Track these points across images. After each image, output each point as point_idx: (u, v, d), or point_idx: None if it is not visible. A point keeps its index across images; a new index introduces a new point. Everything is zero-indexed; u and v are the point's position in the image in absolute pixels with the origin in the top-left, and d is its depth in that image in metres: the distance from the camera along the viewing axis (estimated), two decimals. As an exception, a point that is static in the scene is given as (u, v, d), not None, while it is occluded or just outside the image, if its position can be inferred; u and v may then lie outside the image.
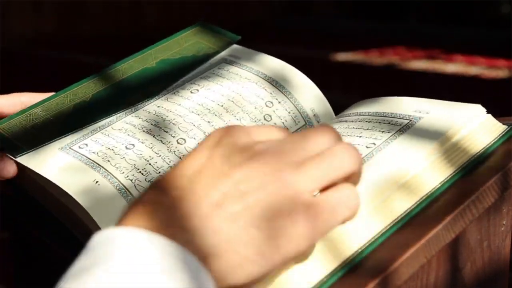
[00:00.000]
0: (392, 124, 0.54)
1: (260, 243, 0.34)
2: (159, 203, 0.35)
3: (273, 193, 0.35)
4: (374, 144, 0.51)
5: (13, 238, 0.66)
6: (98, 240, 0.33)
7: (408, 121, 0.53)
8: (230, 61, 0.67)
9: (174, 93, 0.62)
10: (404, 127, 0.53)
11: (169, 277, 0.32)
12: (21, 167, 0.56)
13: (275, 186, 0.35)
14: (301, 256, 0.39)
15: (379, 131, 0.53)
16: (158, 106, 0.60)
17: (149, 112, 0.59)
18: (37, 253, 0.62)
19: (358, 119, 0.57)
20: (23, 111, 0.59)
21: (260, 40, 4.31)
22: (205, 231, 0.34)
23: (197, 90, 0.62)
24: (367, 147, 0.51)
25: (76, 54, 3.81)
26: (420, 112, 0.54)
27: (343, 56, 3.74)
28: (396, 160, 0.49)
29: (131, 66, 0.65)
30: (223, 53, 0.68)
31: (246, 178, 0.36)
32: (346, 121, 0.58)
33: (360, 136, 0.53)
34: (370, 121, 0.55)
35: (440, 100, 0.56)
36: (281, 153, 0.37)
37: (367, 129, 0.54)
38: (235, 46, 0.69)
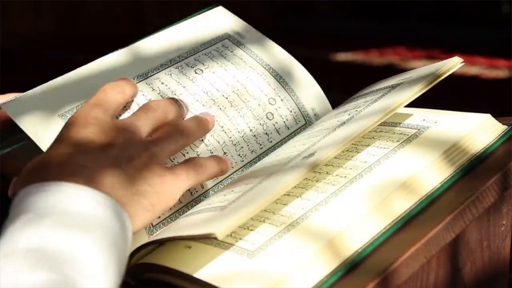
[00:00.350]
0: (399, 133, 0.54)
1: (151, 195, 0.46)
2: (77, 164, 0.44)
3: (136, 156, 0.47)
4: (380, 153, 0.51)
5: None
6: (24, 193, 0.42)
7: (416, 130, 0.53)
8: (234, 39, 0.65)
9: (178, 67, 0.61)
10: (411, 137, 0.53)
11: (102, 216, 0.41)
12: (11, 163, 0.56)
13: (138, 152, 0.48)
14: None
15: (385, 140, 0.53)
16: (163, 83, 0.59)
17: (153, 89, 0.58)
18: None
19: (349, 102, 0.58)
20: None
21: (260, 40, 4.30)
22: (116, 185, 0.44)
23: (202, 70, 0.61)
24: (373, 155, 0.51)
25: (76, 54, 3.81)
26: (427, 121, 0.54)
27: (343, 56, 3.74)
28: (402, 168, 0.49)
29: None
30: (227, 28, 0.66)
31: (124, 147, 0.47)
32: (341, 111, 0.58)
33: (366, 145, 0.53)
34: (375, 130, 0.55)
35: (449, 111, 0.56)
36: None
37: (372, 137, 0.54)
38: (239, 22, 0.67)
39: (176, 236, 0.46)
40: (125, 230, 0.42)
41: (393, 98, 0.52)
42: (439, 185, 0.49)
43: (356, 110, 0.53)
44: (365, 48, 3.94)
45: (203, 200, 0.54)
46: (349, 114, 0.53)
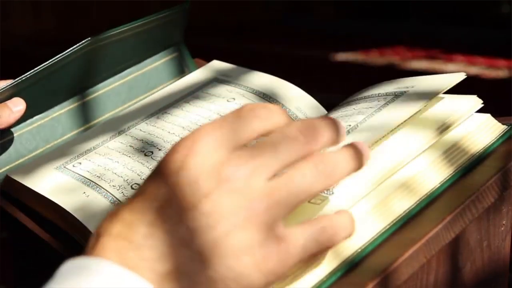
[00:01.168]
0: (377, 101, 0.54)
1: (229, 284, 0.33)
2: (128, 240, 0.33)
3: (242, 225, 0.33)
4: (359, 119, 0.52)
5: (13, 238, 0.66)
6: (69, 268, 0.33)
7: (393, 96, 0.54)
8: (221, 80, 0.68)
9: (166, 111, 0.63)
10: (388, 101, 0.53)
11: None
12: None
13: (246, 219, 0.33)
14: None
15: (365, 108, 0.54)
16: (149, 125, 0.62)
17: (140, 130, 0.61)
18: (37, 253, 0.62)
19: (344, 105, 0.58)
20: None
21: (260, 40, 4.30)
22: (177, 274, 0.33)
23: (189, 105, 0.63)
24: (349, 125, 0.52)
25: (76, 54, 3.81)
26: (405, 87, 0.55)
27: (343, 56, 3.73)
28: (386, 122, 0.49)
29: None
30: (214, 73, 0.69)
31: (213, 209, 0.33)
32: (334, 110, 0.58)
33: (346, 115, 0.53)
34: (356, 103, 0.56)
35: (422, 76, 0.57)
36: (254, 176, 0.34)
37: (352, 109, 0.55)
38: (227, 66, 0.70)
39: None
40: None
41: (395, 113, 0.51)
42: (439, 185, 0.49)
43: (356, 122, 0.53)
44: (365, 48, 3.94)
45: None
46: (349, 125, 0.53)
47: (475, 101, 0.53)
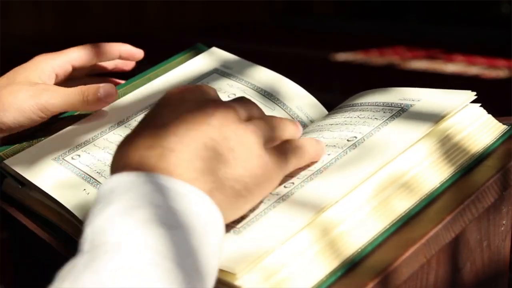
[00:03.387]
0: (383, 112, 0.54)
1: (246, 180, 0.42)
2: (162, 146, 0.41)
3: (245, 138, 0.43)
4: (365, 131, 0.51)
5: (13, 238, 0.66)
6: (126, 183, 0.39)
7: (399, 108, 0.53)
8: (221, 72, 0.67)
9: None
10: (395, 114, 0.53)
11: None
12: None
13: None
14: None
15: (370, 118, 0.53)
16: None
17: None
18: (37, 253, 0.62)
19: (348, 110, 0.57)
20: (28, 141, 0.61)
21: (260, 40, 4.30)
22: (205, 171, 0.41)
23: None
24: (355, 137, 0.51)
25: (76, 54, 3.81)
26: (411, 100, 0.54)
27: (343, 56, 3.73)
28: (389, 144, 0.49)
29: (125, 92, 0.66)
30: (216, 64, 0.69)
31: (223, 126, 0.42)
32: (336, 113, 0.58)
33: (351, 124, 0.53)
34: (361, 110, 0.55)
35: (430, 89, 0.56)
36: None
37: (357, 117, 0.54)
38: (229, 56, 0.70)
39: None
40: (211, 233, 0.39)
41: (401, 134, 0.50)
42: (439, 185, 0.49)
43: (361, 134, 0.52)
44: (365, 48, 3.94)
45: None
46: (355, 137, 0.52)
47: (468, 95, 0.53)
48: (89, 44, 0.67)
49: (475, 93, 0.54)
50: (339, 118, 0.56)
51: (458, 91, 0.54)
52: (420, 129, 0.50)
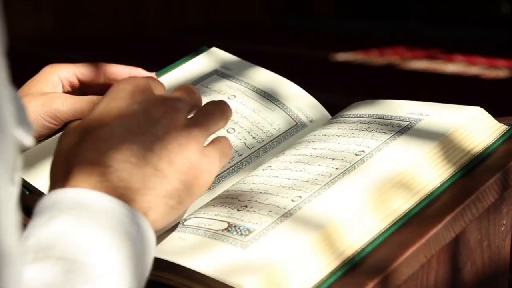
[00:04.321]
0: (391, 125, 0.54)
1: (180, 194, 0.42)
2: (99, 164, 0.40)
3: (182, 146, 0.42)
4: (373, 145, 0.51)
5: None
6: (47, 203, 0.38)
7: (408, 122, 0.53)
8: (221, 73, 0.67)
9: None
10: (403, 129, 0.53)
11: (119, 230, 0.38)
12: None
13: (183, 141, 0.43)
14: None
15: (378, 132, 0.53)
16: None
17: None
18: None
19: (355, 121, 0.57)
20: None
21: (260, 40, 4.30)
22: (144, 190, 0.40)
23: None
24: (363, 151, 0.51)
25: (76, 54, 3.82)
26: (419, 114, 0.54)
27: (343, 56, 3.73)
28: (395, 160, 0.49)
29: None
30: (216, 65, 0.69)
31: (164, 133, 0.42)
32: (343, 122, 0.58)
33: (359, 137, 0.53)
34: (369, 123, 0.55)
35: (439, 103, 0.56)
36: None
37: (365, 129, 0.54)
38: (229, 57, 0.70)
39: (191, 268, 0.43)
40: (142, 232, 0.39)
41: (409, 152, 0.50)
42: (439, 184, 0.49)
43: (369, 148, 0.51)
44: (365, 48, 3.94)
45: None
46: (363, 151, 0.51)
47: (476, 111, 0.53)
48: (101, 63, 0.67)
49: (483, 109, 0.53)
50: (347, 129, 0.56)
51: (467, 107, 0.54)
52: (426, 147, 0.50)
